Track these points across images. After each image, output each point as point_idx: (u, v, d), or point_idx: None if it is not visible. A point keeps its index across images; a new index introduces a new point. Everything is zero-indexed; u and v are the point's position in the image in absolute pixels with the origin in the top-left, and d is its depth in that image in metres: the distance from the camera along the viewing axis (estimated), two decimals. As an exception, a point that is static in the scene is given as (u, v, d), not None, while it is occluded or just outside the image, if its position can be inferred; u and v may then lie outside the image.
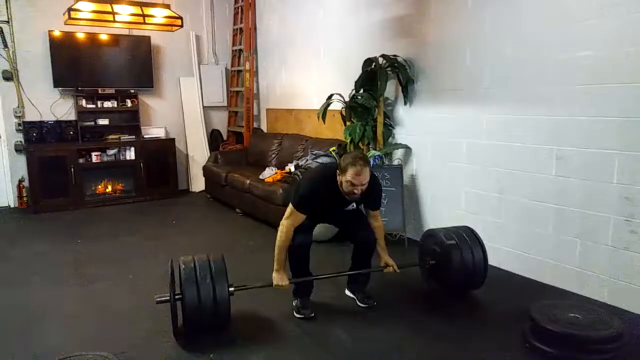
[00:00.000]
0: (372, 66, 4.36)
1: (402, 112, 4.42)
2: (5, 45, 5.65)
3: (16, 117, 5.78)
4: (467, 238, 3.10)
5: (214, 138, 7.05)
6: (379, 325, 2.81)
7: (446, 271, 3.07)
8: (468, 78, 3.75)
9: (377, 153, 4.35)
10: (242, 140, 6.87)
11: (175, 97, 6.78)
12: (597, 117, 2.94)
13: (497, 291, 3.23)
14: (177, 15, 5.31)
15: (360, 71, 4.43)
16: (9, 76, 5.70)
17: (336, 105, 4.65)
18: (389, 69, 4.27)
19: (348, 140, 4.56)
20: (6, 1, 5.60)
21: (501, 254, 3.59)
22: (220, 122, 7.23)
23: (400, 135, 4.46)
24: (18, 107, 5.78)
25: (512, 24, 3.38)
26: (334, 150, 4.73)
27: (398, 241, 4.24)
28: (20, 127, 5.76)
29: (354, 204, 2.94)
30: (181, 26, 5.46)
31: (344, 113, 4.65)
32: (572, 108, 3.06)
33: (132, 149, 6.12)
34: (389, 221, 4.19)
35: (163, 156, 6.33)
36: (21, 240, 4.66)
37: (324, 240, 4.29)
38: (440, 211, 4.13)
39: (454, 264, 3.00)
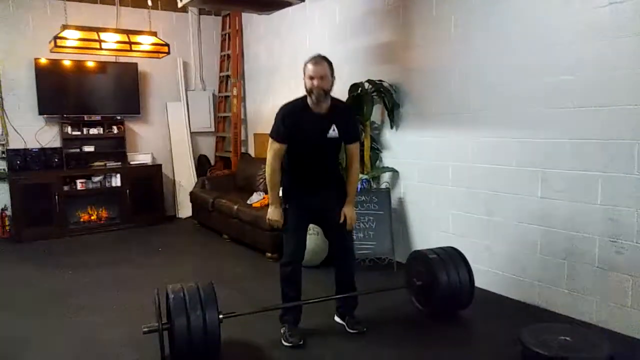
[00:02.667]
0: (359, 91, 4.41)
1: (388, 136, 4.47)
2: (-9, 73, 5.63)
3: (0, 144, 5.71)
4: (452, 258, 3.12)
5: (201, 163, 7.03)
6: (370, 353, 2.78)
7: (433, 292, 3.07)
8: (453, 102, 3.81)
9: (365, 177, 4.37)
10: (229, 165, 6.86)
11: (162, 123, 6.78)
12: (581, 140, 3.01)
13: (485, 313, 3.23)
14: (163, 43, 5.35)
15: (346, 95, 4.48)
16: (-7, 104, 5.66)
17: (323, 130, 4.68)
18: (375, 93, 4.33)
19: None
20: (-8, 29, 5.60)
21: (489, 276, 3.60)
22: (208, 147, 7.22)
23: (388, 158, 4.50)
24: (2, 134, 5.71)
25: (497, 49, 3.46)
26: (321, 175, 4.74)
27: (387, 265, 4.23)
28: (3, 155, 5.69)
29: (335, 130, 2.82)
30: (168, 53, 5.51)
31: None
32: (556, 131, 3.12)
33: (118, 175, 6.06)
34: (377, 245, 4.19)
35: (149, 182, 6.28)
36: (2, 270, 4.55)
37: (313, 266, 4.26)
38: (428, 234, 4.14)
39: (440, 284, 3.01)
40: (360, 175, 4.37)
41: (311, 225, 4.32)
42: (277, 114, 2.90)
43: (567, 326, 2.74)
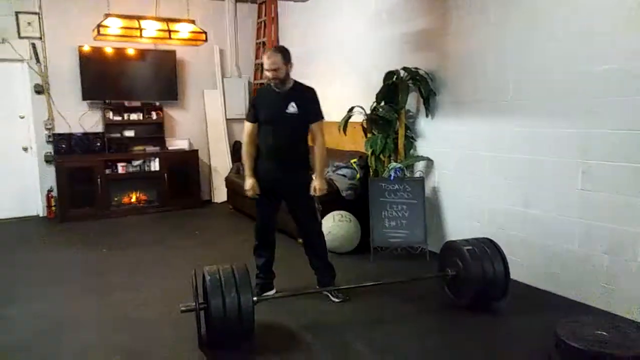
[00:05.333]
0: (394, 79, 4.38)
1: (423, 124, 4.43)
2: (38, 61, 5.86)
3: (46, 129, 5.96)
4: (488, 249, 3.08)
5: (236, 149, 7.13)
6: (401, 341, 2.80)
7: (466, 283, 3.05)
8: (491, 90, 3.74)
9: (399, 165, 4.36)
10: (263, 152, 6.93)
11: (199, 110, 6.91)
12: (624, 130, 2.90)
13: (521, 306, 3.18)
14: (201, 31, 5.45)
15: (381, 84, 4.46)
16: (40, 90, 5.90)
17: (357, 118, 4.69)
18: (411, 81, 4.29)
19: (369, 152, 4.59)
20: (39, 18, 5.82)
21: (524, 269, 3.55)
22: (243, 133, 7.31)
23: (422, 147, 4.46)
24: (48, 119, 5.97)
25: (536, 37, 3.37)
26: (355, 162, 4.76)
27: (420, 254, 4.22)
28: (50, 139, 5.95)
29: (294, 106, 3.12)
30: (205, 41, 5.59)
31: (365, 125, 4.68)
32: (598, 121, 3.03)
33: (157, 160, 6.24)
34: (410, 234, 4.18)
35: (186, 167, 6.44)
36: (48, 249, 4.78)
37: (345, 252, 4.30)
38: (462, 224, 4.10)
39: (474, 275, 2.98)
40: (394, 164, 4.37)
41: (343, 213, 4.39)
42: (250, 98, 3.18)
43: (604, 320, 2.68)
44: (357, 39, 5.27)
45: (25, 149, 5.96)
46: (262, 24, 7.03)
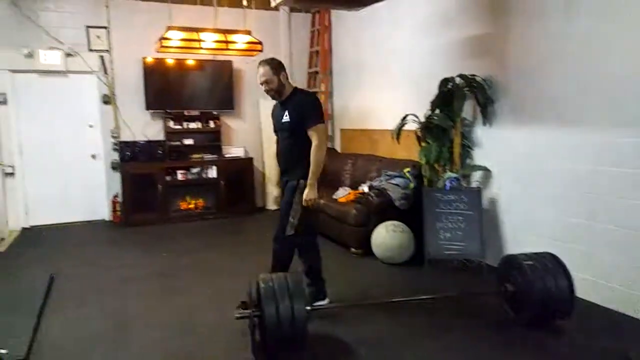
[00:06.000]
0: (449, 86, 4.30)
1: (480, 132, 4.31)
2: (105, 72, 6.21)
3: (113, 137, 6.30)
4: (550, 264, 2.94)
5: (289, 157, 7.24)
6: (455, 354, 2.72)
7: (527, 299, 2.92)
8: (553, 99, 3.58)
9: (454, 175, 4.26)
10: (316, 159, 6.98)
11: (254, 118, 7.06)
12: None
13: (586, 326, 3.01)
14: (257, 41, 5.57)
15: (436, 91, 4.38)
16: (107, 100, 6.25)
17: (411, 126, 4.63)
18: (467, 88, 4.19)
19: (423, 161, 4.51)
20: (107, 32, 6.17)
21: (589, 285, 3.35)
22: (296, 141, 7.40)
23: (479, 156, 4.33)
24: (114, 128, 6.31)
25: (599, 47, 3.19)
26: (408, 171, 4.70)
27: (476, 267, 4.09)
28: (116, 147, 6.28)
29: (287, 116, 3.14)
30: (261, 51, 5.72)
31: (418, 133, 4.61)
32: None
33: (214, 167, 6.44)
34: (466, 246, 4.06)
35: (242, 175, 6.60)
36: (112, 251, 5.04)
37: (397, 263, 4.24)
38: (522, 237, 3.94)
39: (535, 292, 2.85)
40: (449, 174, 4.27)
41: (397, 223, 4.34)
42: None
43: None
44: (411, 45, 5.21)
45: (93, 156, 6.33)
46: (316, 32, 7.11)
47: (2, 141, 5.78)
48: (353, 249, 4.65)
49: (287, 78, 3.22)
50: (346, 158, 6.16)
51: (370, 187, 4.92)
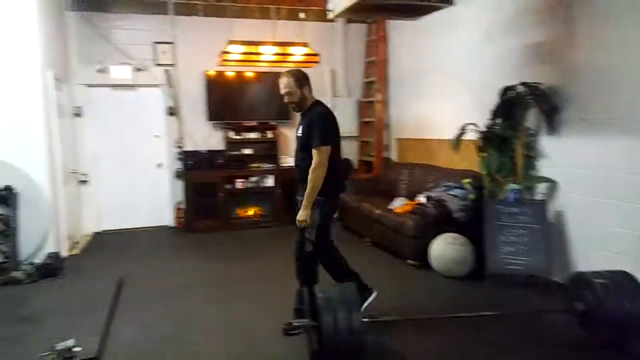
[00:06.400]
0: (511, 94, 4.17)
1: (545, 142, 4.13)
2: (171, 85, 6.52)
3: (177, 147, 6.59)
4: (624, 283, 2.76)
5: (344, 167, 7.27)
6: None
7: (599, 319, 2.75)
8: (627, 107, 3.38)
9: (516, 187, 4.11)
10: (371, 169, 6.98)
11: (311, 128, 7.14)
12: None
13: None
14: (314, 53, 5.67)
15: (496, 100, 4.27)
16: (172, 112, 6.56)
17: (470, 135, 4.52)
18: (530, 97, 4.05)
19: (484, 172, 4.39)
20: (172, 48, 6.48)
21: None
22: (351, 151, 7.43)
23: (544, 167, 4.15)
24: (178, 138, 6.59)
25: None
26: (468, 182, 4.58)
27: (540, 284, 3.90)
28: (179, 156, 6.56)
29: (300, 131, 3.16)
30: (318, 62, 5.82)
31: (479, 143, 4.50)
32: None
33: (272, 176, 6.58)
34: (530, 261, 3.90)
35: (297, 184, 6.67)
36: (175, 257, 5.25)
37: (456, 277, 4.14)
38: (591, 253, 3.72)
39: (609, 312, 2.69)
40: (512, 185, 4.13)
41: (455, 235, 4.24)
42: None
43: None
44: (471, 53, 5.10)
45: (159, 165, 6.65)
46: (372, 42, 7.12)
47: (78, 151, 6.19)
48: (410, 261, 4.58)
49: (310, 91, 3.17)
50: (402, 168, 6.10)
51: (428, 198, 4.84)
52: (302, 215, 3.08)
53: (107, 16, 6.26)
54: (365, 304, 3.21)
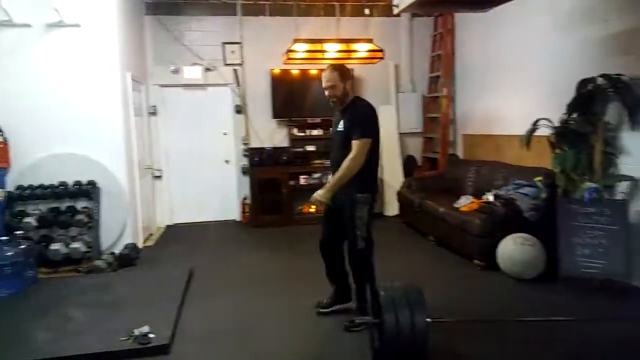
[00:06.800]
0: (589, 87, 3.92)
1: (628, 138, 3.85)
2: (238, 84, 6.73)
3: (243, 144, 6.81)
4: None
5: (408, 164, 7.17)
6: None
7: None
8: None
9: (594, 185, 3.87)
10: (436, 166, 6.83)
11: (374, 124, 7.10)
12: None
13: None
14: (378, 48, 5.63)
15: (572, 93, 4.03)
16: (240, 110, 6.77)
17: (543, 131, 4.30)
18: (611, 90, 3.79)
19: (557, 170, 4.17)
20: (240, 48, 6.69)
21: None
22: (415, 148, 7.31)
23: (625, 165, 3.87)
24: (245, 135, 6.80)
25: None
26: (539, 180, 4.37)
27: (619, 289, 3.65)
28: (246, 153, 6.77)
29: (342, 125, 3.12)
30: (382, 58, 5.77)
31: (552, 139, 4.27)
32: None
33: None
34: (608, 264, 3.66)
35: (360, 180, 6.67)
36: (241, 250, 5.43)
37: (527, 279, 3.96)
38: (679, 258, 3.44)
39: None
40: (588, 184, 3.89)
41: (525, 235, 4.06)
42: None
43: None
44: (545, 45, 4.84)
45: (227, 162, 6.90)
46: (438, 36, 6.95)
47: (152, 147, 6.56)
48: (476, 261, 4.44)
49: (352, 87, 3.19)
50: (469, 165, 5.91)
51: (496, 196, 4.66)
52: (322, 195, 3.07)
53: (180, 19, 6.58)
54: (335, 307, 3.40)
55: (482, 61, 6.12)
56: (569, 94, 4.07)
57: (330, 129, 3.44)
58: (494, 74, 5.84)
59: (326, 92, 3.14)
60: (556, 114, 4.19)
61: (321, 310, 3.41)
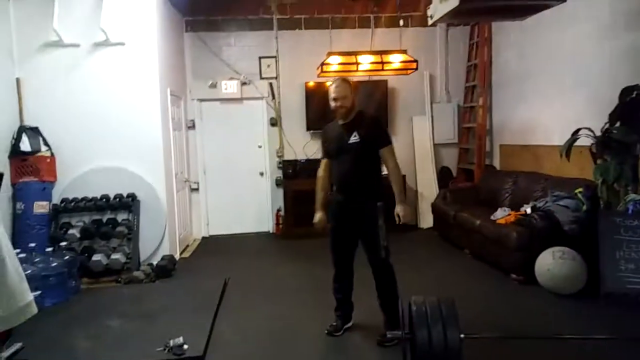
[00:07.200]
0: (633, 95, 3.78)
1: (675, 148, 3.68)
2: (273, 97, 6.84)
3: (277, 156, 6.89)
4: None
5: (443, 175, 7.06)
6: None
7: None
8: None
9: (638, 197, 3.70)
10: (472, 177, 6.69)
11: (407, 136, 7.06)
12: None
13: None
14: (412, 59, 5.61)
15: (615, 102, 3.89)
16: (274, 122, 6.87)
17: (583, 141, 4.16)
18: (656, 98, 3.64)
19: (599, 181, 4.01)
20: (275, 61, 6.81)
21: None
22: (450, 159, 7.20)
23: (673, 176, 3.70)
24: (279, 148, 6.89)
25: None
26: (580, 192, 4.22)
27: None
28: (280, 165, 6.85)
29: (356, 136, 3.11)
30: (416, 69, 5.74)
31: (593, 150, 4.12)
32: None
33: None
34: (655, 281, 3.48)
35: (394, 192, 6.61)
36: (274, 261, 5.48)
37: (567, 294, 3.82)
38: None
39: None
40: (633, 196, 3.75)
41: (565, 249, 3.92)
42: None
43: None
44: (585, 52, 4.70)
45: (261, 174, 6.99)
46: (474, 45, 6.86)
47: (190, 160, 6.74)
48: (513, 275, 4.32)
49: (356, 100, 3.27)
50: (506, 176, 5.77)
51: (534, 208, 4.52)
52: (403, 209, 3.18)
53: (219, 35, 6.77)
54: (348, 325, 3.39)
55: (519, 69, 6.00)
56: (612, 102, 3.94)
57: (325, 144, 3.40)
58: (531, 83, 5.71)
59: (336, 103, 3.17)
60: (598, 123, 4.05)
61: (336, 334, 3.34)
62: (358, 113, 3.26)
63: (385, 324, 3.21)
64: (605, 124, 3.98)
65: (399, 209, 3.17)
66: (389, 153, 3.20)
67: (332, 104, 3.19)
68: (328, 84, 3.23)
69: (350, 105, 3.18)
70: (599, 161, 4.06)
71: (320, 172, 3.41)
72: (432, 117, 7.03)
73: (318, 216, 3.40)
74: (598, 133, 4.03)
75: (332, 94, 3.18)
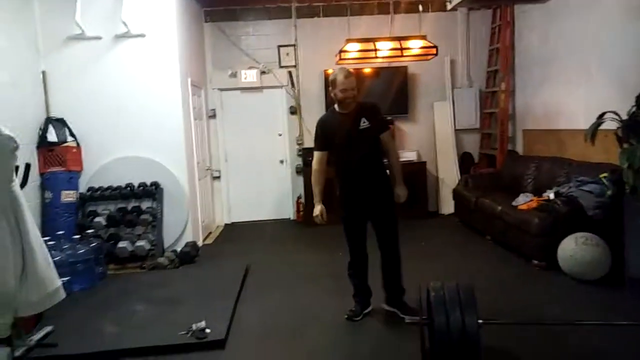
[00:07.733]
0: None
1: None
2: (293, 85, 6.85)
3: (297, 144, 6.93)
4: None
5: (464, 161, 6.99)
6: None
7: None
8: None
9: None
10: (494, 163, 6.61)
11: (428, 122, 7.00)
12: None
13: None
14: (432, 45, 5.54)
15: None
16: (294, 111, 6.90)
17: (609, 125, 4.05)
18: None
19: (625, 166, 3.91)
20: (294, 50, 6.80)
21: None
22: (472, 144, 7.11)
23: (702, 160, 3.58)
24: (299, 136, 6.92)
25: None
26: (605, 177, 4.13)
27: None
28: (299, 153, 6.88)
29: (365, 122, 3.19)
30: (436, 54, 5.67)
31: (619, 134, 4.01)
32: None
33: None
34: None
35: (414, 178, 6.56)
36: (295, 248, 5.54)
37: (589, 280, 3.77)
38: None
39: None
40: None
41: (589, 235, 3.85)
42: (315, 128, 3.40)
43: None
44: (611, 34, 4.56)
45: (281, 162, 7.05)
46: (497, 29, 6.72)
47: (211, 149, 6.83)
48: (535, 261, 4.28)
49: None
50: (529, 161, 5.68)
51: (557, 194, 4.46)
52: (403, 190, 3.38)
53: (238, 24, 6.80)
54: (367, 310, 3.47)
55: (542, 53, 5.86)
56: (638, 85, 3.82)
57: (327, 135, 3.33)
58: (555, 66, 5.58)
59: (346, 94, 3.17)
60: (624, 106, 3.93)
61: (356, 319, 3.40)
62: (360, 101, 3.36)
63: (386, 299, 3.47)
64: (632, 107, 3.86)
65: (399, 190, 3.35)
66: (390, 136, 3.42)
67: (341, 94, 3.19)
68: (331, 75, 3.22)
69: (356, 95, 3.26)
70: (624, 145, 3.95)
71: (316, 165, 3.40)
72: (453, 102, 6.94)
73: (318, 209, 3.45)
74: (624, 117, 3.92)
75: (342, 85, 3.18)
